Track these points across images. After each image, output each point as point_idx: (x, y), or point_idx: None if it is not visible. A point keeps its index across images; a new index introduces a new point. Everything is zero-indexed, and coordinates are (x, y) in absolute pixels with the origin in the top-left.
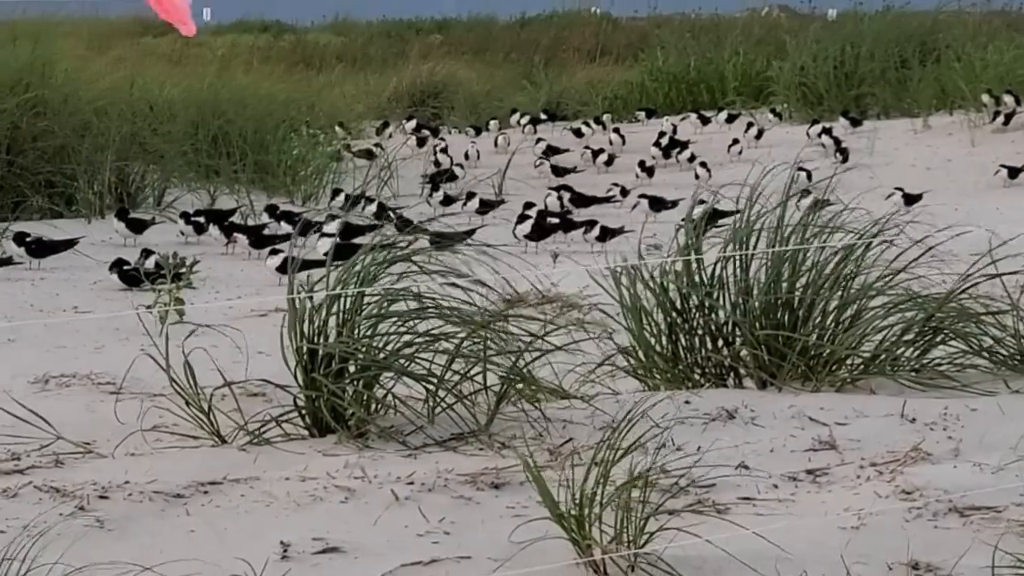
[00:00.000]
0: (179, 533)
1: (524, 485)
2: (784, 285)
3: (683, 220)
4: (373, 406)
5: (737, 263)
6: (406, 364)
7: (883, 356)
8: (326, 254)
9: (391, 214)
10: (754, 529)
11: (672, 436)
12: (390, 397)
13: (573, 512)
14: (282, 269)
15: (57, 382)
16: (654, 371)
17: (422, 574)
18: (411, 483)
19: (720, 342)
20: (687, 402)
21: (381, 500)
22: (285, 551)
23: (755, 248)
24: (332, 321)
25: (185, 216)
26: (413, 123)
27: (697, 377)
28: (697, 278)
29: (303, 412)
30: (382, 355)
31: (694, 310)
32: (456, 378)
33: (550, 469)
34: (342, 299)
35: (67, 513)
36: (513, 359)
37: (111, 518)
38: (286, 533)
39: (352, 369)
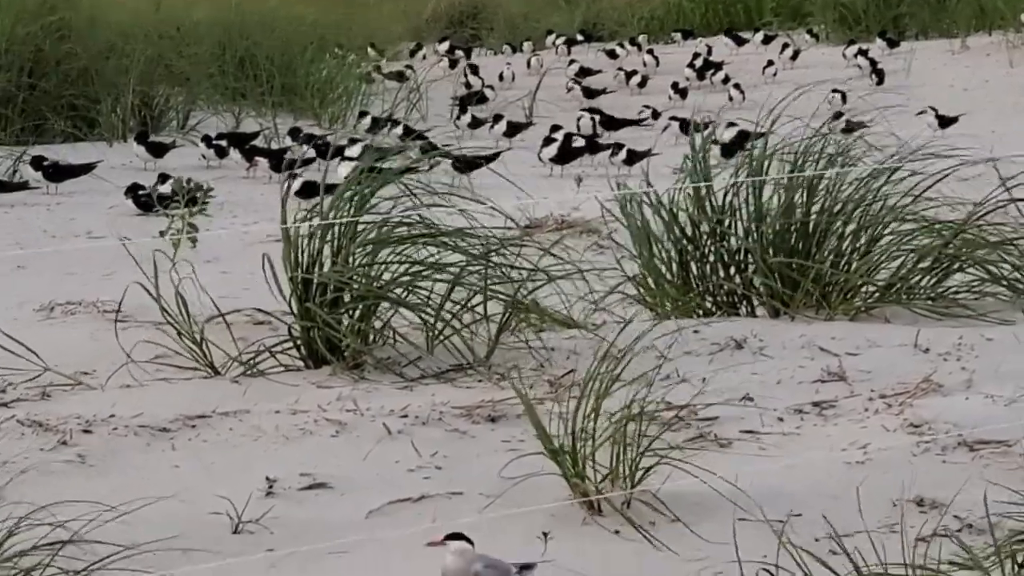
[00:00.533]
0: (162, 468)
1: (521, 418)
2: (799, 212)
3: (711, 143)
4: (370, 337)
5: (750, 189)
6: (404, 294)
7: (898, 284)
8: (346, 178)
9: (415, 137)
10: (756, 465)
11: (677, 367)
12: (389, 328)
13: (566, 447)
14: (302, 193)
15: (63, 310)
16: (664, 300)
17: (410, 511)
18: (404, 416)
19: (732, 270)
20: (695, 331)
21: (373, 434)
22: (270, 487)
23: (772, 173)
24: (329, 250)
25: (207, 139)
26: (446, 45)
27: (709, 306)
28: (708, 204)
29: (298, 343)
30: (379, 284)
31: (705, 237)
32: (457, 308)
33: (549, 401)
34: (336, 226)
35: (48, 448)
36: (516, 288)
37: (93, 453)
38: (273, 468)
39: (347, 299)
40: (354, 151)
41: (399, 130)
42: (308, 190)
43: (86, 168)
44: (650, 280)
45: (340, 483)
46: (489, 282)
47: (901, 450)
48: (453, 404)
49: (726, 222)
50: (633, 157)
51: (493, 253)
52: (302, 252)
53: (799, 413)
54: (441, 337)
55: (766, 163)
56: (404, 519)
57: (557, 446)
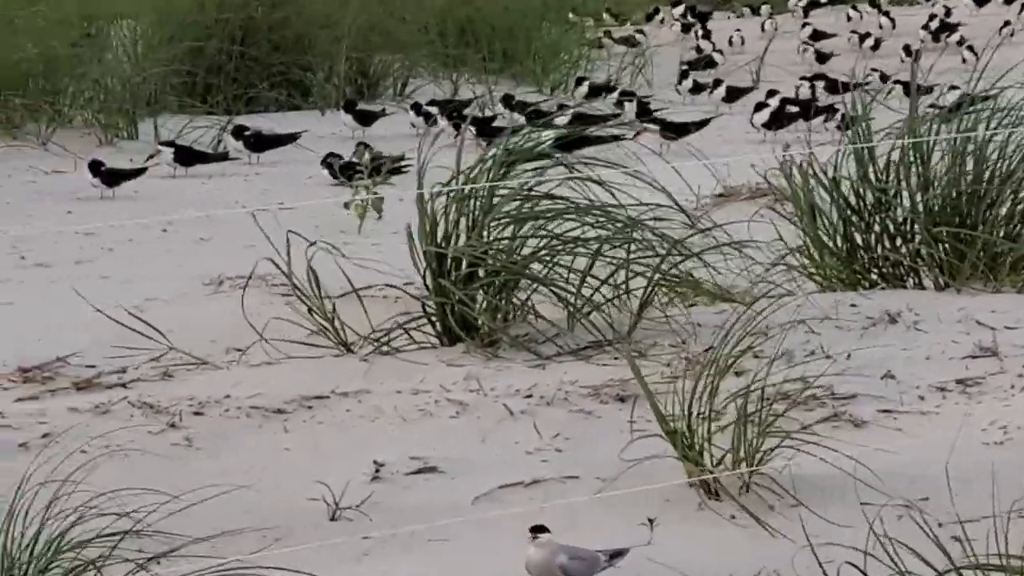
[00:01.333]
0: (269, 452)
1: (667, 395)
2: (968, 178)
3: (930, 107)
4: (510, 314)
5: (915, 154)
6: (544, 271)
7: None
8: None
9: (626, 103)
10: (888, 445)
11: (824, 343)
12: (527, 304)
13: (682, 428)
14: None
15: (232, 283)
16: (828, 271)
17: (521, 495)
18: (529, 396)
19: (899, 240)
20: (853, 305)
21: (494, 415)
22: (377, 471)
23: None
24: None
25: (416, 107)
26: (680, 8)
27: (875, 277)
28: (873, 172)
29: (433, 320)
30: (515, 260)
31: (870, 206)
32: (600, 284)
33: (682, 379)
34: (472, 199)
35: (156, 431)
36: (659, 260)
37: (201, 436)
38: (384, 451)
39: (482, 274)
40: (562, 119)
41: (615, 96)
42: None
43: (289, 138)
44: (814, 251)
45: (452, 467)
46: (636, 256)
47: None
48: (582, 383)
49: (891, 191)
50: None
51: (641, 226)
52: (438, 224)
53: (941, 391)
54: (580, 314)
55: (935, 127)
56: (513, 504)
57: (674, 427)
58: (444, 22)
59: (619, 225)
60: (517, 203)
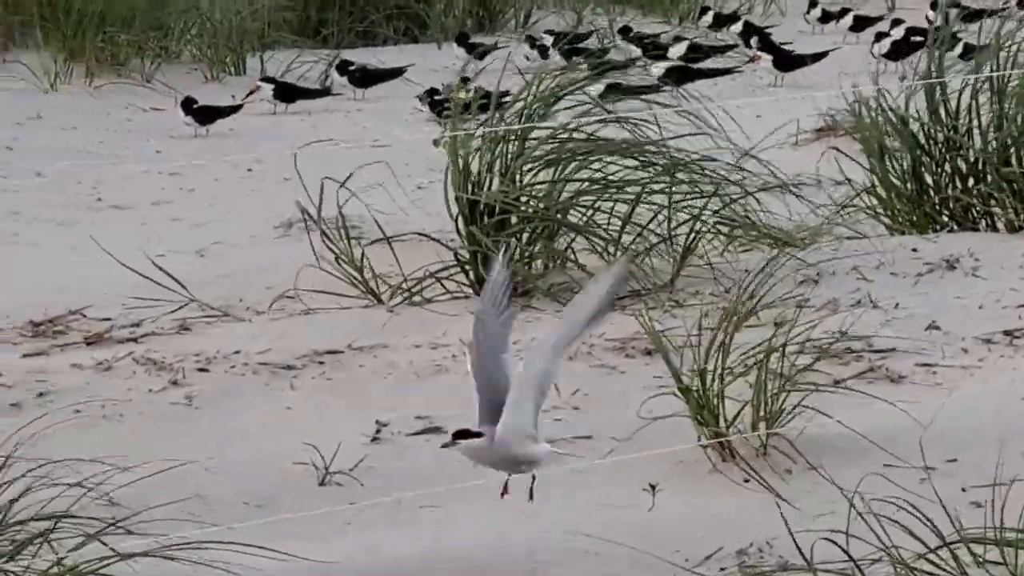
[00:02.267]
0: (271, 411)
1: (681, 350)
2: None
3: None
4: (543, 262)
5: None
6: (583, 217)
7: None
8: (660, 79)
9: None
10: (922, 402)
11: (873, 291)
12: (571, 251)
13: (696, 386)
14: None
15: (300, 227)
16: (897, 214)
17: None
18: None
19: (971, 181)
20: (914, 250)
21: None
22: (378, 431)
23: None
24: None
25: (530, 40)
26: None
27: (945, 219)
28: (944, 110)
29: (466, 268)
30: (548, 205)
31: (941, 145)
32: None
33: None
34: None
35: (157, 389)
36: (704, 203)
37: (203, 394)
38: (391, 410)
39: (514, 221)
40: (676, 50)
41: (738, 26)
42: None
43: (395, 72)
44: (882, 192)
45: (457, 427)
46: (684, 200)
47: None
48: (609, 336)
49: (962, 130)
50: (969, 51)
51: (687, 167)
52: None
53: (987, 343)
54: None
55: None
56: None
57: (689, 384)
58: None
59: (663, 166)
60: (554, 145)
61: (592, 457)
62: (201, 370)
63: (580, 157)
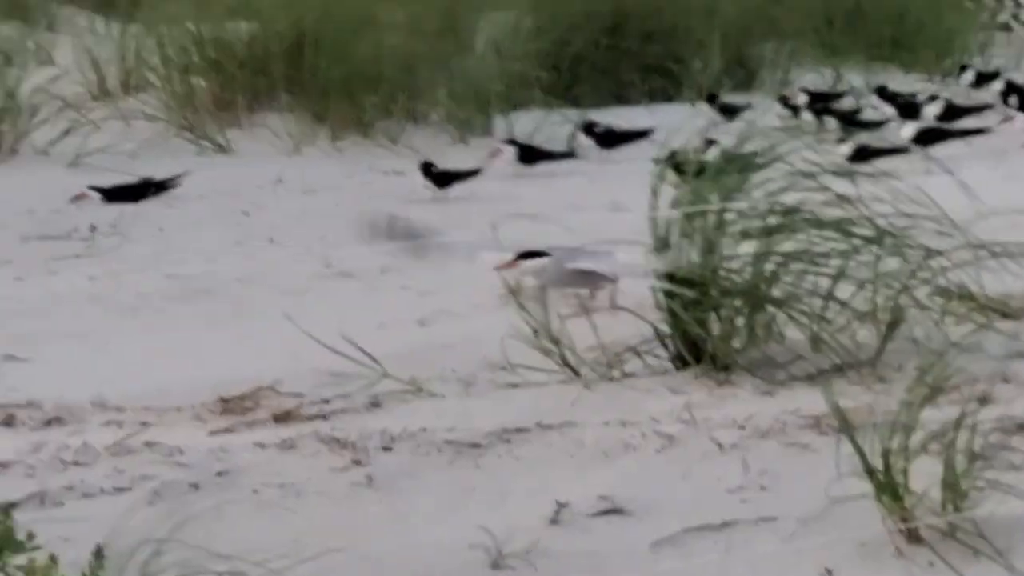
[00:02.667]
0: (452, 492)
1: (878, 427)
2: None
3: None
4: (746, 336)
5: None
6: (785, 290)
7: None
8: (910, 140)
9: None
10: None
11: None
12: (765, 327)
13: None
14: (854, 158)
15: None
16: None
17: (706, 540)
18: (743, 427)
19: None
20: None
21: (701, 448)
22: (557, 512)
23: None
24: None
25: (783, 99)
26: None
27: None
28: None
29: (666, 343)
30: (747, 280)
31: None
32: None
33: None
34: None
35: (339, 467)
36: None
37: (384, 474)
38: (576, 490)
39: (714, 294)
40: (931, 110)
41: (998, 84)
42: (861, 154)
43: (640, 134)
44: None
45: (641, 507)
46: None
47: None
48: (804, 412)
49: None
50: None
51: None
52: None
53: None
54: (821, 336)
55: None
56: (694, 550)
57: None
58: (830, 7)
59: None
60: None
61: (777, 539)
62: (385, 448)
63: (779, 231)
